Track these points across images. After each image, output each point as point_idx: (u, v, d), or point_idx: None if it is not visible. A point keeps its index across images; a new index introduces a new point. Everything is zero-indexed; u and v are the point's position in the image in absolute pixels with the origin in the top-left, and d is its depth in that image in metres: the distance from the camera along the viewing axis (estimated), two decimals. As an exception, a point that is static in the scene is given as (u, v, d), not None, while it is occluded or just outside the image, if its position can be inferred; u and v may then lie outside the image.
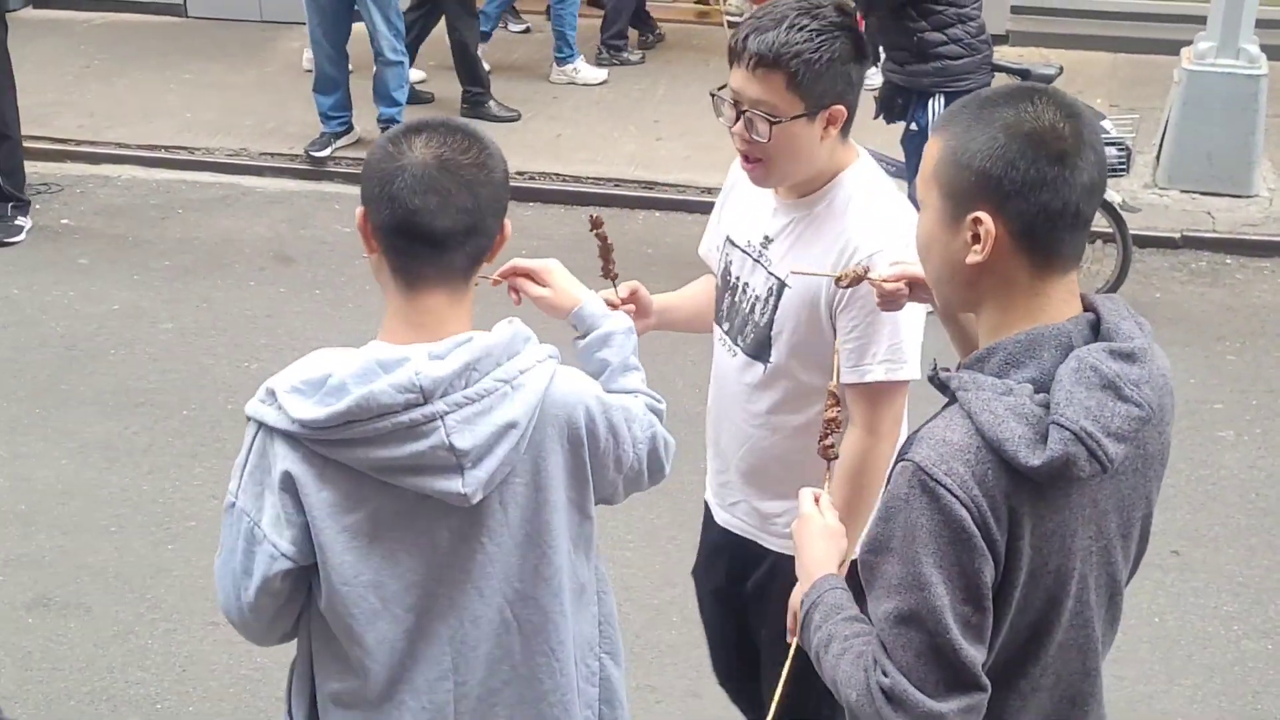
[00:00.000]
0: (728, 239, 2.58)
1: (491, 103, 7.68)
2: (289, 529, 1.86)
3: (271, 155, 7.27)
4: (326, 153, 7.09)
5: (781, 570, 2.50)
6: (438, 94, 7.96)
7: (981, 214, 1.65)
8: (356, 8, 7.02)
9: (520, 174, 7.08)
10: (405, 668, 1.96)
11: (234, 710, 3.65)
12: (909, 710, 1.64)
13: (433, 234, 1.84)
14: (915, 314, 2.36)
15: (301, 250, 6.35)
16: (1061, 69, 5.84)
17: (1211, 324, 5.75)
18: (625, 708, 2.18)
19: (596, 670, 2.12)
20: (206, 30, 9.17)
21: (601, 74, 8.20)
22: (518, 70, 8.43)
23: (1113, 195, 5.60)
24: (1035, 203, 1.64)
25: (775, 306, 2.44)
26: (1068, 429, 1.60)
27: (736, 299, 2.55)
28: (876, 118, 5.76)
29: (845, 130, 2.37)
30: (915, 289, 2.15)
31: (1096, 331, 1.70)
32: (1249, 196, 6.71)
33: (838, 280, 2.22)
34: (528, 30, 9.23)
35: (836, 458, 2.11)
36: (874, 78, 7.32)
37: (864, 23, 6.62)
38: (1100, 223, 5.67)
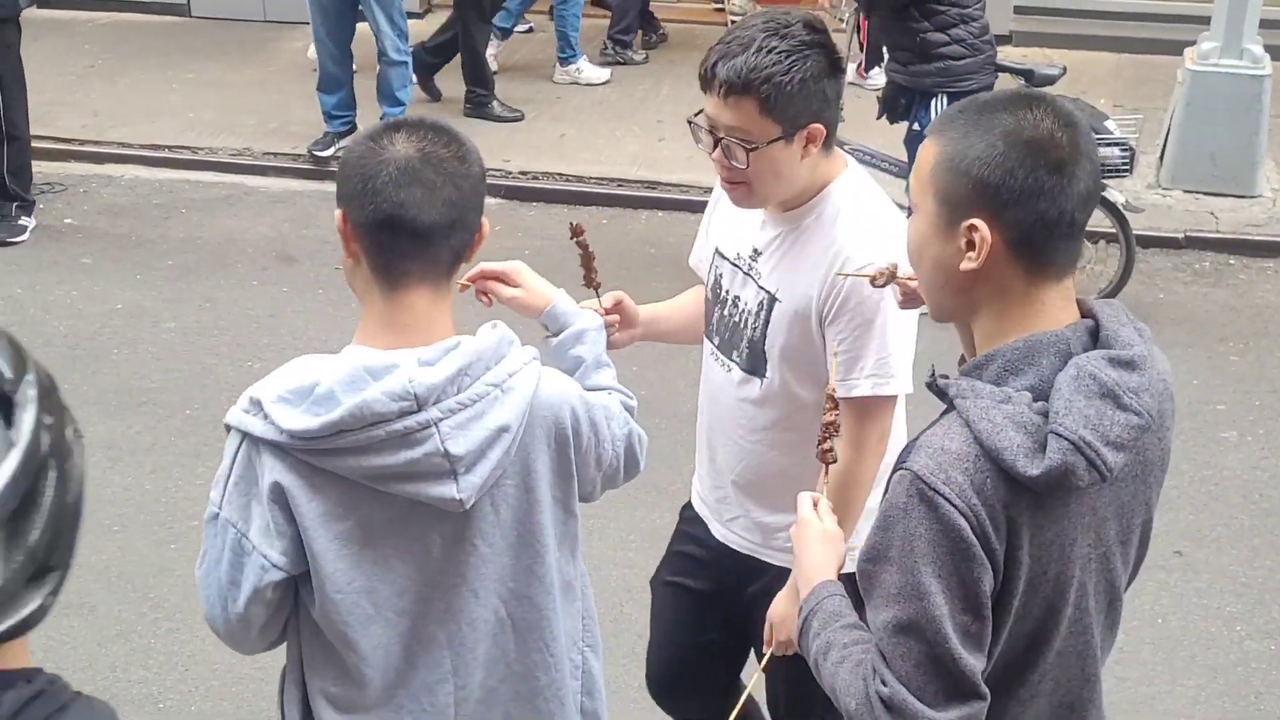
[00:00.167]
0: (717, 251, 2.55)
1: (495, 103, 7.68)
2: (280, 540, 1.85)
3: (274, 155, 7.28)
4: (329, 152, 7.10)
5: (782, 584, 2.49)
6: (444, 94, 7.95)
7: (977, 221, 1.64)
8: (360, 8, 7.03)
9: (523, 174, 7.08)
10: (402, 672, 1.96)
11: (236, 710, 3.66)
12: (908, 719, 1.64)
13: (418, 227, 1.83)
14: (905, 327, 2.34)
15: (304, 250, 6.35)
16: (1065, 69, 5.83)
17: (1215, 324, 5.74)
18: (603, 698, 2.20)
19: (580, 664, 2.14)
20: (209, 30, 9.18)
21: (604, 74, 8.20)
22: (521, 70, 8.44)
23: (1116, 195, 5.60)
24: (1033, 211, 1.63)
25: (767, 321, 2.42)
26: (1066, 438, 1.59)
27: (726, 312, 2.52)
28: (880, 118, 5.76)
29: (828, 144, 2.35)
30: None
31: (1095, 338, 1.70)
32: (1252, 197, 6.71)
33: (873, 280, 2.18)
34: (531, 30, 9.23)
35: (835, 461, 2.10)
36: (877, 78, 7.34)
37: (866, 23, 6.64)
38: (1103, 223, 5.66)
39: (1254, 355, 5.50)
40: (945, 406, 1.72)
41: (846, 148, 6.00)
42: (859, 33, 6.71)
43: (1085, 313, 1.74)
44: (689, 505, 2.78)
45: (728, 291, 2.51)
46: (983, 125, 1.66)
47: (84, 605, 4.02)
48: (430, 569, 1.93)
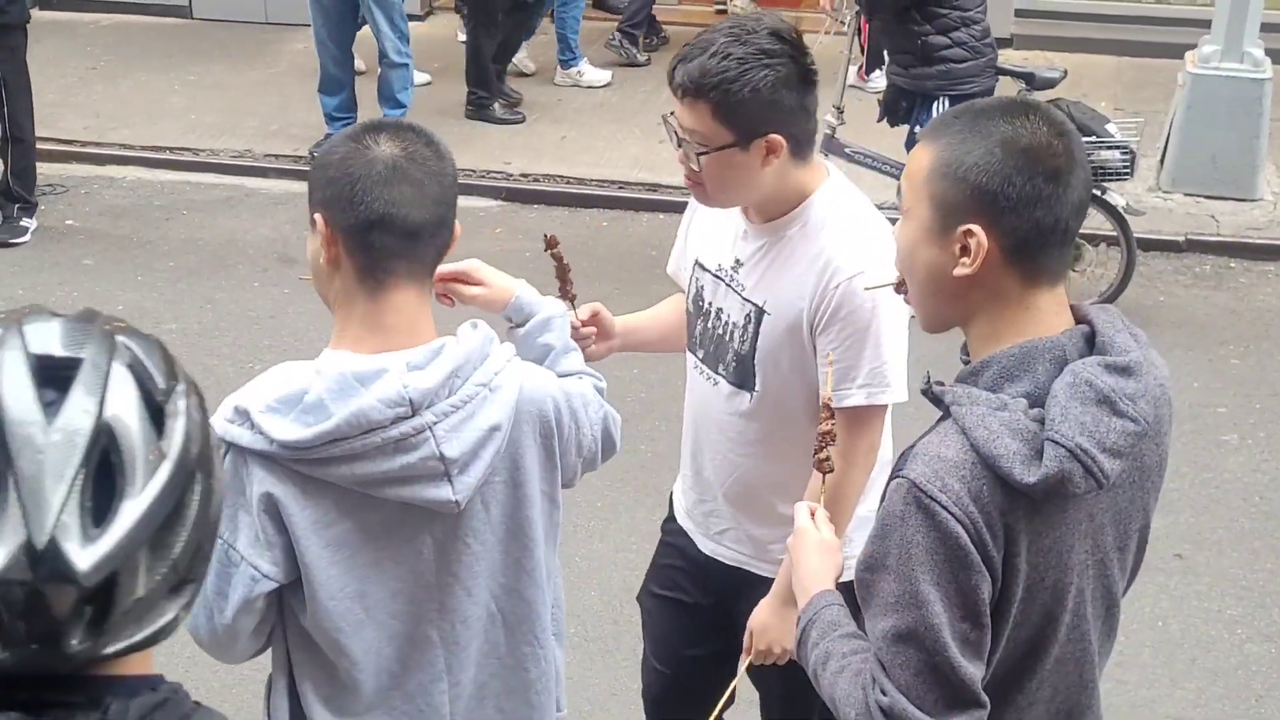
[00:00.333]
0: (697, 262, 2.53)
1: (496, 105, 7.67)
2: (270, 550, 1.84)
3: (276, 157, 7.28)
4: (331, 154, 7.10)
5: None
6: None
7: (974, 226, 1.64)
8: (361, 10, 7.03)
9: (524, 176, 7.09)
10: (395, 674, 1.96)
11: (237, 711, 3.65)
12: None
13: (409, 226, 1.83)
14: (898, 335, 2.32)
15: (305, 252, 6.36)
16: (1066, 72, 5.83)
17: (1215, 327, 5.74)
18: (563, 684, 2.22)
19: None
20: (211, 32, 9.18)
21: (605, 76, 8.20)
22: (522, 73, 8.44)
23: (1117, 198, 5.60)
24: (1029, 219, 1.64)
25: (756, 334, 2.39)
26: (1063, 446, 1.59)
27: (710, 325, 2.48)
28: (880, 120, 5.77)
29: (801, 154, 2.32)
30: None
31: (1091, 344, 1.69)
32: (1253, 200, 6.71)
33: (896, 287, 2.16)
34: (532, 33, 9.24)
35: (832, 470, 2.08)
36: (878, 80, 7.34)
37: (868, 26, 6.64)
38: (1104, 226, 5.66)
39: (1254, 358, 5.50)
40: (941, 413, 1.72)
41: (847, 150, 6.07)
42: (860, 35, 6.70)
43: (1080, 318, 1.73)
44: (671, 518, 2.75)
45: (710, 304, 2.48)
46: (979, 132, 1.66)
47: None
48: (423, 570, 1.93)
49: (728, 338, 2.44)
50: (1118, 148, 5.48)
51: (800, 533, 1.95)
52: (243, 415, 1.83)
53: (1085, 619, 1.76)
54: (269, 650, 2.05)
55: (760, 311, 2.38)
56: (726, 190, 2.34)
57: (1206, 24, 6.92)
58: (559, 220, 6.67)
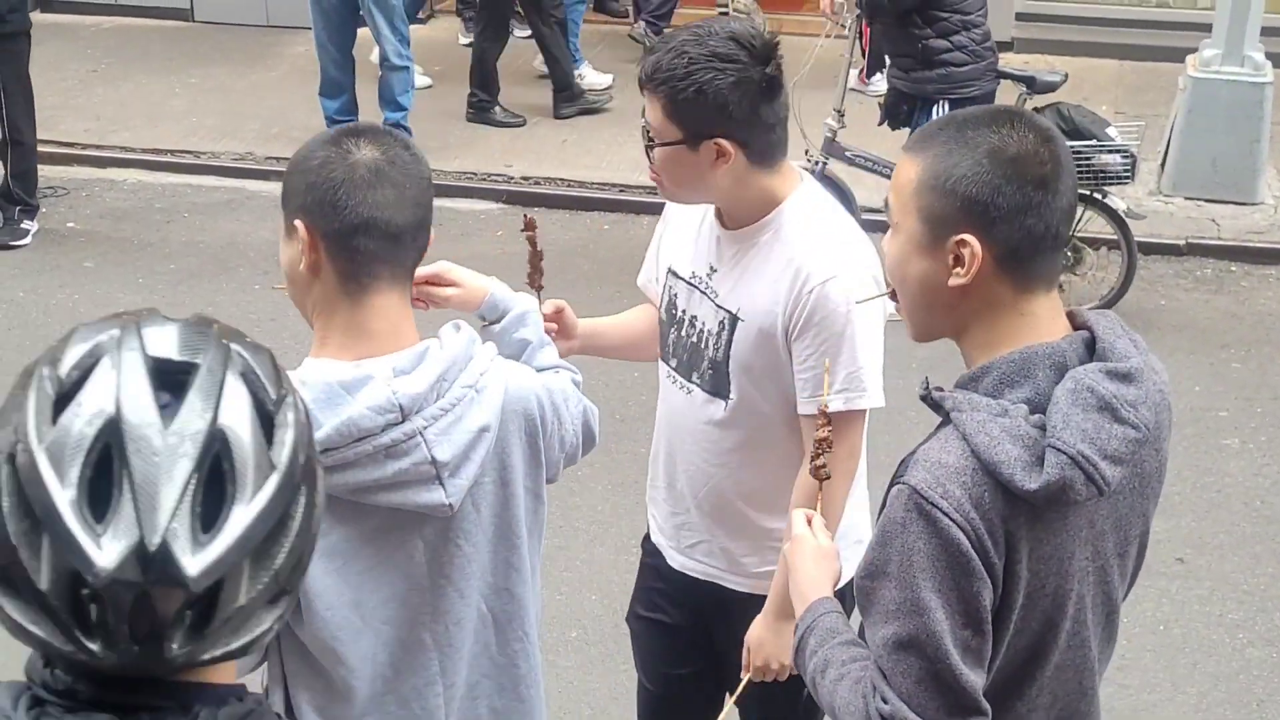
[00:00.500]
0: (670, 271, 2.51)
1: (497, 109, 7.68)
2: None
3: (276, 159, 7.27)
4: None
5: (752, 610, 2.45)
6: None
7: (967, 236, 1.64)
8: (361, 13, 7.03)
9: (525, 179, 7.09)
10: (389, 679, 1.95)
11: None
12: None
13: (392, 229, 1.82)
14: (873, 340, 2.30)
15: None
16: (1066, 76, 5.83)
17: (1216, 331, 5.74)
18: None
19: None
20: (212, 35, 9.19)
21: (606, 79, 8.20)
22: (523, 76, 8.44)
23: (1118, 202, 5.60)
24: (1021, 227, 1.64)
25: (729, 341, 2.37)
26: (1064, 453, 1.58)
27: (684, 333, 2.46)
28: (881, 124, 5.77)
29: (762, 162, 2.29)
30: None
31: (1091, 350, 1.69)
32: (1254, 204, 6.71)
33: (893, 296, 2.15)
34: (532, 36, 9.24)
35: (829, 478, 2.06)
36: (878, 84, 7.33)
37: (869, 29, 6.64)
38: (1105, 229, 5.66)
39: (1255, 362, 5.50)
40: (941, 419, 1.71)
41: (848, 154, 6.06)
42: (861, 39, 6.70)
43: (1079, 324, 1.73)
44: (648, 537, 2.73)
45: (684, 312, 2.46)
46: (965, 143, 1.66)
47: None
48: (415, 573, 1.92)
49: (702, 345, 2.42)
50: (1118, 151, 5.47)
51: (797, 540, 1.94)
52: None
53: (1086, 625, 1.75)
54: (247, 675, 2.04)
55: (734, 318, 2.36)
56: (680, 187, 2.34)
57: (1207, 28, 6.92)
58: (560, 223, 6.67)
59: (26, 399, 1.06)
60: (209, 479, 1.05)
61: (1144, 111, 7.27)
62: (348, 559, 1.87)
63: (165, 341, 1.09)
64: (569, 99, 7.68)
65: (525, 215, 2.53)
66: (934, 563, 1.60)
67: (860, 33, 6.40)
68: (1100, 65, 8.35)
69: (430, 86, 8.16)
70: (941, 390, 1.71)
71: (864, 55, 7.68)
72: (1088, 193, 5.51)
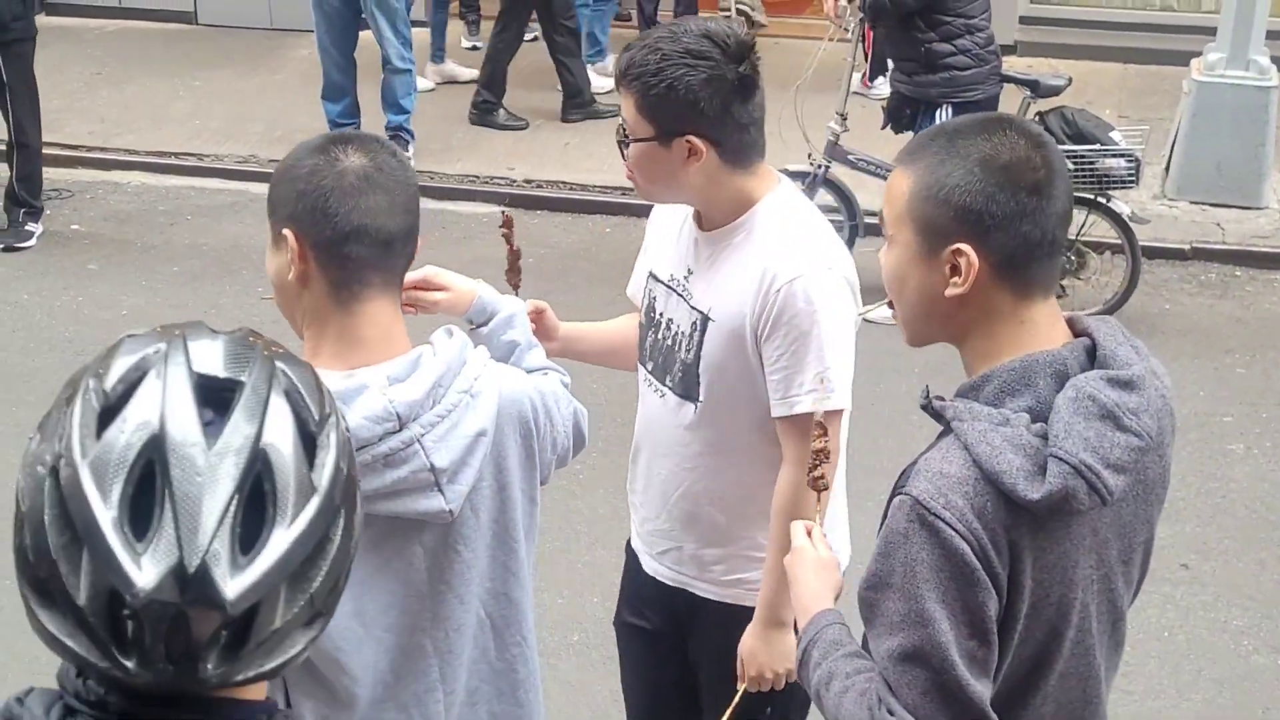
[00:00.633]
0: (650, 274, 2.50)
1: (501, 111, 7.68)
2: None
3: (280, 162, 7.28)
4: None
5: (721, 618, 2.45)
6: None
7: (963, 246, 1.63)
8: (364, 16, 7.04)
9: (528, 182, 7.09)
10: (389, 685, 1.95)
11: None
12: None
13: (382, 235, 1.81)
14: (841, 341, 2.27)
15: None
16: (1070, 80, 5.82)
17: (1221, 336, 5.73)
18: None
19: None
20: (216, 37, 9.20)
21: (609, 83, 8.21)
22: (525, 80, 8.44)
23: (1122, 206, 5.59)
24: (1017, 234, 1.63)
25: (700, 342, 2.36)
26: (1067, 462, 1.57)
27: (660, 336, 2.44)
28: (884, 127, 5.77)
29: (736, 162, 2.28)
30: None
31: (1092, 357, 1.68)
32: (1259, 208, 6.70)
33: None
34: (536, 39, 9.24)
35: (827, 488, 2.04)
36: (881, 87, 7.33)
37: (872, 33, 6.63)
38: (1109, 234, 5.66)
39: (1260, 367, 5.49)
40: (942, 428, 1.70)
41: (851, 157, 6.06)
42: (864, 42, 6.70)
43: (1080, 331, 1.72)
44: (630, 541, 2.71)
45: (661, 314, 2.44)
46: (957, 153, 1.65)
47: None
48: (415, 580, 1.92)
49: (675, 347, 2.41)
50: (1123, 156, 5.47)
51: (798, 551, 1.93)
52: None
53: (1090, 634, 1.74)
54: None
55: (705, 319, 2.35)
56: (653, 184, 2.33)
57: (1212, 31, 6.91)
58: (562, 226, 6.67)
59: (71, 411, 1.06)
60: (250, 499, 1.04)
61: (1148, 115, 7.27)
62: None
63: (211, 357, 1.09)
64: (579, 105, 7.67)
65: (503, 212, 2.52)
66: (938, 573, 1.59)
67: (863, 36, 6.40)
68: (1104, 69, 8.34)
69: (433, 90, 8.16)
70: (942, 399, 1.70)
71: (867, 59, 7.71)
72: (1092, 197, 5.50)
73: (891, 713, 1.63)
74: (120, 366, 1.08)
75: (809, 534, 1.95)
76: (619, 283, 2.68)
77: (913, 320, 1.74)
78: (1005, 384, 1.65)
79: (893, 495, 1.68)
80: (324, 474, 1.08)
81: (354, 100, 7.24)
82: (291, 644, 1.08)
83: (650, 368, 2.49)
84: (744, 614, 2.41)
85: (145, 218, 6.84)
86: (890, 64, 5.87)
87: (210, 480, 1.03)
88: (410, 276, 2.21)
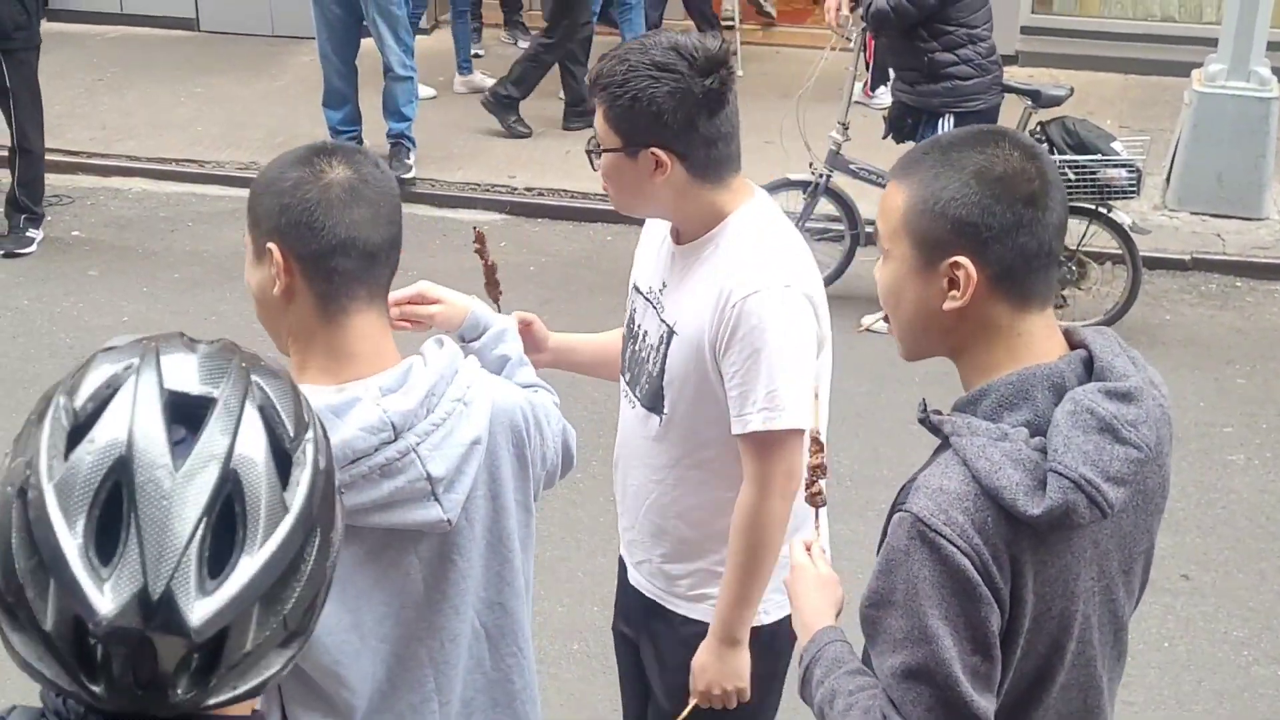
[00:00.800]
0: (634, 286, 2.50)
1: (515, 115, 7.62)
2: None
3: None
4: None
5: (685, 634, 2.44)
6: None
7: (961, 259, 1.63)
8: (365, 23, 7.04)
9: (529, 190, 7.09)
10: (386, 695, 1.94)
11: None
12: None
13: (368, 247, 1.79)
14: (794, 358, 2.24)
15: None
16: (1072, 90, 5.83)
17: (1221, 347, 5.73)
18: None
19: None
20: (217, 44, 9.21)
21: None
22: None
23: (1123, 217, 5.59)
24: (1014, 246, 1.63)
25: (665, 355, 2.36)
26: (1067, 477, 1.57)
27: (636, 348, 2.45)
28: (886, 137, 5.77)
29: (705, 176, 2.26)
30: None
31: (1089, 369, 1.68)
32: (1259, 219, 6.70)
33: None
34: (538, 47, 9.26)
35: (824, 504, 2.03)
36: (883, 96, 7.34)
37: (874, 42, 6.64)
38: (1110, 244, 5.65)
39: (1261, 378, 5.49)
40: (939, 442, 1.70)
41: (852, 167, 6.07)
42: (865, 51, 6.71)
43: (1076, 343, 1.72)
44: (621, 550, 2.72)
45: (639, 326, 2.45)
46: (952, 165, 1.65)
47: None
48: (412, 591, 1.91)
49: (645, 359, 2.41)
50: (1124, 166, 5.47)
51: (797, 569, 1.92)
52: None
53: (1092, 645, 1.74)
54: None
55: (671, 332, 2.35)
56: (623, 195, 2.34)
57: (1213, 42, 6.92)
58: (563, 234, 6.66)
59: (41, 430, 1.04)
60: (220, 521, 1.03)
61: (1149, 126, 7.27)
62: (346, 583, 1.85)
63: (184, 373, 1.07)
64: (581, 114, 7.67)
65: (475, 229, 2.53)
66: (940, 590, 1.58)
67: (865, 45, 6.41)
68: (1105, 79, 8.35)
69: (434, 98, 8.17)
70: (940, 413, 1.69)
71: (868, 68, 7.72)
72: (1093, 207, 5.50)
73: None
74: (91, 383, 1.06)
75: (808, 550, 1.94)
76: (620, 291, 2.68)
77: (909, 334, 1.74)
78: (1003, 398, 1.64)
79: (892, 512, 1.68)
80: (298, 492, 1.06)
81: (355, 107, 7.24)
82: (266, 665, 1.06)
83: (627, 378, 2.49)
84: (706, 630, 2.41)
85: (146, 224, 6.84)
86: (892, 73, 5.87)
87: (177, 503, 1.01)
88: (404, 292, 2.21)
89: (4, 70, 6.18)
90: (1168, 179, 6.82)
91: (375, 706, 1.93)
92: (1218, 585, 4.24)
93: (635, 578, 2.58)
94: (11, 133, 6.37)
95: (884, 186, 1.79)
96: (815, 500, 2.00)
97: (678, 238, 2.38)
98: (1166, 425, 1.71)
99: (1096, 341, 1.70)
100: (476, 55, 8.70)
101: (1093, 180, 5.45)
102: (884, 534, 1.69)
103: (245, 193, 6.57)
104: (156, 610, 1.00)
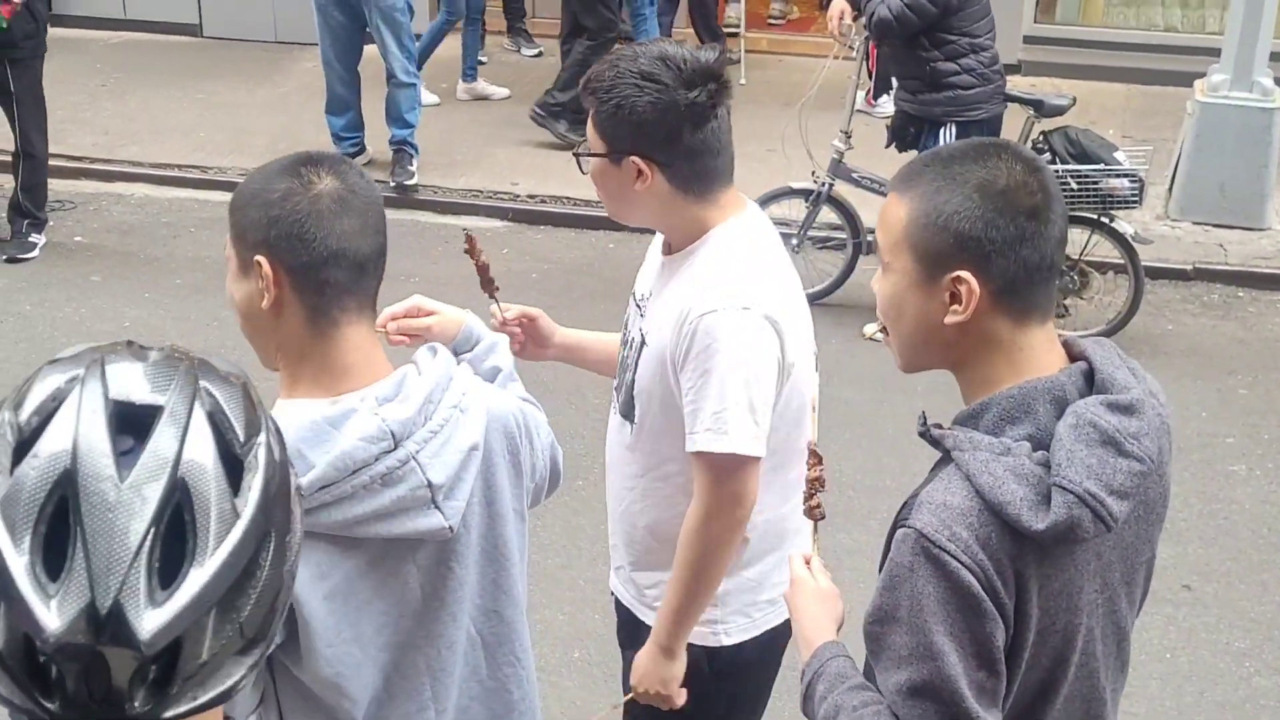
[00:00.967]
0: (633, 293, 2.50)
1: (564, 122, 7.52)
2: None
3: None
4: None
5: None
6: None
7: (964, 273, 1.62)
8: (368, 30, 7.05)
9: (531, 197, 7.09)
10: (382, 704, 1.93)
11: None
12: None
13: (358, 258, 1.78)
14: (745, 380, 2.19)
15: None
16: (1074, 100, 5.83)
17: (1223, 357, 5.72)
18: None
19: None
20: (220, 50, 9.22)
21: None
22: (531, 92, 8.46)
23: (1125, 227, 5.59)
24: (1017, 260, 1.62)
25: (637, 364, 2.36)
26: (1071, 491, 1.57)
27: (625, 353, 2.46)
28: (888, 146, 5.77)
29: (689, 189, 2.24)
30: None
31: (1090, 381, 1.67)
32: (1261, 229, 6.70)
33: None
34: (540, 55, 9.27)
35: (823, 517, 2.01)
36: (885, 105, 7.34)
37: (876, 51, 6.64)
38: (1112, 254, 5.66)
39: (1263, 388, 5.48)
40: (940, 456, 1.69)
41: (854, 175, 6.06)
42: (868, 60, 6.71)
43: (1076, 354, 1.71)
44: None
45: (628, 332, 2.46)
46: (953, 178, 1.64)
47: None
48: (410, 599, 1.90)
49: (627, 366, 2.41)
50: (1126, 176, 5.47)
51: (797, 582, 1.91)
52: None
53: (1095, 656, 1.74)
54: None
55: (643, 343, 2.35)
56: (610, 201, 2.33)
57: (1216, 52, 6.92)
58: (565, 241, 6.67)
59: None
60: (170, 530, 1.01)
61: (1152, 136, 7.28)
62: (347, 595, 1.84)
63: (129, 381, 1.05)
64: (583, 121, 7.66)
65: (464, 231, 2.54)
66: (945, 606, 1.58)
67: (868, 54, 6.41)
68: (1108, 89, 8.36)
69: (438, 104, 8.18)
70: (941, 427, 1.69)
71: (871, 77, 7.73)
72: (1095, 217, 5.50)
73: None
74: (36, 397, 1.04)
75: (808, 564, 1.93)
76: (622, 298, 2.68)
77: (909, 348, 1.73)
78: (1004, 412, 1.64)
79: (895, 527, 1.67)
80: (249, 498, 1.04)
81: (358, 114, 7.25)
82: (226, 675, 1.05)
83: (615, 383, 2.51)
84: None
85: (148, 230, 6.84)
86: (894, 82, 5.87)
87: (123, 515, 0.99)
88: (398, 307, 2.21)
89: (9, 75, 6.20)
90: (1170, 189, 6.82)
91: (372, 716, 1.92)
92: (1219, 596, 4.24)
93: (613, 583, 2.60)
94: (15, 137, 6.38)
95: (886, 195, 1.78)
96: (814, 514, 1.99)
97: (667, 248, 2.38)
98: (1167, 436, 1.71)
99: (1097, 353, 1.70)
100: (480, 62, 8.71)
101: (1095, 190, 5.45)
102: (886, 549, 1.69)
103: (248, 199, 6.28)
104: (105, 624, 0.98)
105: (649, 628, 2.46)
